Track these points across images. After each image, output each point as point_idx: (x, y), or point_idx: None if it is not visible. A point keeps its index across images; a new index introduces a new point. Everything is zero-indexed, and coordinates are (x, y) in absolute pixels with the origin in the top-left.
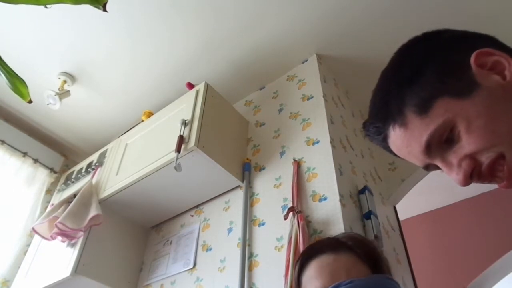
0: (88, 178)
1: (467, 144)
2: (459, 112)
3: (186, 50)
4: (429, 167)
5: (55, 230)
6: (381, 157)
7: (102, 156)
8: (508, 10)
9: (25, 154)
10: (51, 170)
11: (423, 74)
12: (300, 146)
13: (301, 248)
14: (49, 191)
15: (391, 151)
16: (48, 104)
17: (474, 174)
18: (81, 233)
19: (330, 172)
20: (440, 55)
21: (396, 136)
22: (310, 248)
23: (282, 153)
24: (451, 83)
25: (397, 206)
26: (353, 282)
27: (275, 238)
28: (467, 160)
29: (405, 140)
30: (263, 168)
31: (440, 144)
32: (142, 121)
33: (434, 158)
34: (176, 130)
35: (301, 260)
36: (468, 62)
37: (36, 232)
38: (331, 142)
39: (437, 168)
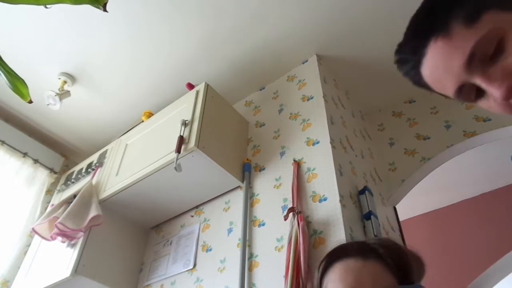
0: (88, 178)
1: None
2: (509, 24)
3: (186, 50)
4: (462, 90)
5: (55, 230)
6: (381, 158)
7: (102, 156)
8: None
9: (25, 154)
10: (51, 170)
11: None
12: (300, 146)
13: (301, 248)
14: (49, 192)
15: (419, 80)
16: (48, 104)
17: None
18: (81, 233)
19: (330, 173)
20: None
21: (436, 51)
22: (339, 249)
23: (282, 154)
24: None
25: (397, 207)
26: None
27: (275, 238)
28: None
29: (446, 53)
30: (263, 169)
31: (485, 57)
32: (142, 121)
33: (474, 73)
34: (176, 131)
35: (327, 261)
36: None
37: (36, 233)
38: (331, 143)
39: (471, 92)
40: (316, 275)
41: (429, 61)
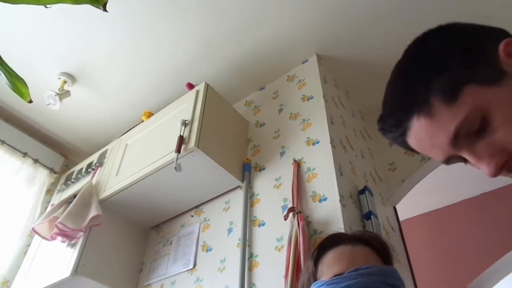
0: (88, 178)
1: (502, 134)
2: (491, 99)
3: (186, 50)
4: (451, 160)
5: (55, 230)
6: (381, 158)
7: (102, 156)
8: (508, 10)
9: (25, 154)
10: (51, 170)
11: (449, 62)
12: (300, 146)
13: (301, 248)
14: (49, 192)
15: (406, 146)
16: (48, 104)
17: (505, 166)
18: (81, 233)
19: (330, 173)
20: (464, 44)
21: (420, 128)
22: (328, 239)
23: (282, 154)
24: (479, 70)
25: (397, 207)
26: (371, 267)
27: (275, 238)
28: (500, 152)
29: (430, 131)
30: (263, 169)
31: (469, 134)
32: (142, 121)
33: (461, 149)
34: (176, 131)
35: (318, 250)
36: (494, 50)
37: (36, 233)
38: (331, 143)
39: (460, 160)
40: (310, 265)
41: (414, 134)
